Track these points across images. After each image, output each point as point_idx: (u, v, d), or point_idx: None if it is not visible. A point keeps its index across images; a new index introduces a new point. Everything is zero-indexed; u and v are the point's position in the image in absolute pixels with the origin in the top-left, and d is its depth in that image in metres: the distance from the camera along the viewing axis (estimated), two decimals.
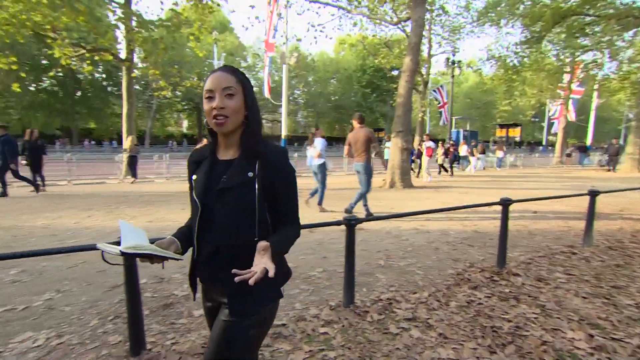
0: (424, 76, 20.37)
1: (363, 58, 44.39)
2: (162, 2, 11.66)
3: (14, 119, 33.34)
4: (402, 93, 10.03)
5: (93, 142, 37.75)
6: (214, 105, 1.07)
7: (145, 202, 7.39)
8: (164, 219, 5.84)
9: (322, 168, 6.54)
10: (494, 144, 29.18)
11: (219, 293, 1.16)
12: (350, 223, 2.65)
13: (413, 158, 13.29)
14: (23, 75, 25.43)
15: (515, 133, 28.26)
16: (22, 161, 8.62)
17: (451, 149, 15.48)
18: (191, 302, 2.88)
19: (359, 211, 5.97)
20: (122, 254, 0.95)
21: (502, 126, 30.06)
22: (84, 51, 11.70)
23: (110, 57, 11.96)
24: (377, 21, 15.03)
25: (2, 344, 2.28)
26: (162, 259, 1.03)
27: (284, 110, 14.51)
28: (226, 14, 30.78)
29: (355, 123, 6.03)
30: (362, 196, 6.01)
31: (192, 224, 1.16)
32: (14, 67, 10.59)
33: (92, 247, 2.04)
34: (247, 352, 1.13)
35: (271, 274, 0.92)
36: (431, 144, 13.22)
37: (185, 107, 43.18)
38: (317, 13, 41.48)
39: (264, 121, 57.81)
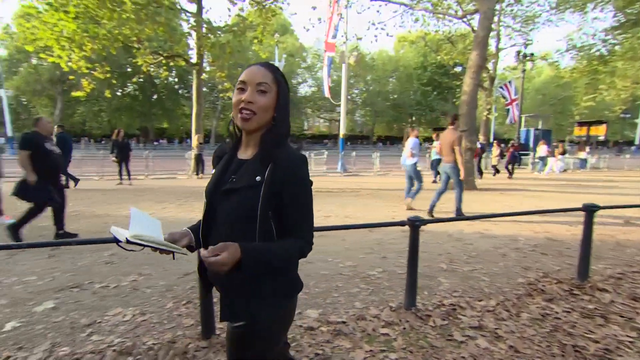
0: (491, 72, 19.06)
1: (424, 55, 42.91)
2: (229, 10, 12.36)
3: (104, 120, 37.83)
4: (467, 90, 9.50)
5: (160, 141, 41.35)
6: (243, 98, 1.01)
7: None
8: None
9: (414, 167, 6.80)
10: (570, 144, 26.33)
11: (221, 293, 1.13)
12: (415, 224, 2.59)
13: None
14: (114, 82, 28.72)
15: (599, 131, 25.04)
16: (112, 158, 9.74)
17: (510, 149, 14.26)
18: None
19: (421, 209, 5.79)
20: (127, 241, 0.95)
21: (581, 124, 26.78)
22: (161, 58, 12.87)
23: (183, 63, 12.99)
24: (441, 16, 14.41)
25: (100, 315, 2.60)
26: (168, 251, 1.02)
27: (342, 109, 14.58)
28: (287, 16, 31.77)
29: (448, 123, 6.25)
30: (458, 196, 6.11)
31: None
32: (108, 75, 12.01)
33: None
34: (246, 354, 1.07)
35: (222, 269, 0.88)
36: (478, 144, 12.47)
37: None
38: (377, 11, 40.90)
39: (321, 120, 58.77)
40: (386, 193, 9.01)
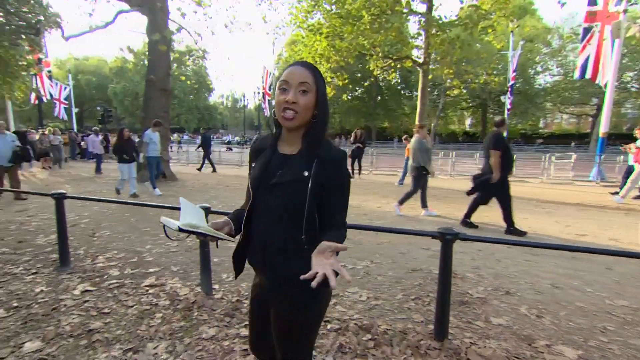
0: None
1: None
2: (461, 2, 11.84)
3: (337, 121, 44.61)
4: None
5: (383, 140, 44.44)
6: (287, 99, 1.08)
7: (433, 197, 7.86)
8: (453, 215, 6.02)
9: None
10: None
11: (265, 281, 1.21)
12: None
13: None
14: (351, 87, 33.47)
15: None
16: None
17: None
18: (488, 307, 2.78)
19: None
20: (180, 230, 1.04)
21: None
22: (390, 61, 13.85)
23: (410, 63, 13.51)
24: None
25: (341, 290, 3.07)
26: (215, 238, 1.11)
27: (607, 99, 11.28)
28: None
29: None
30: None
31: (245, 210, 1.20)
32: (345, 82, 14.08)
33: (421, 233, 2.32)
34: (296, 338, 1.19)
35: (344, 274, 0.89)
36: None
37: (471, 104, 42.56)
38: None
39: (565, 116, 47.79)
40: None
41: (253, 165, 1.22)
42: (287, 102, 1.08)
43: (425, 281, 3.31)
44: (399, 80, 42.04)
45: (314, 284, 0.87)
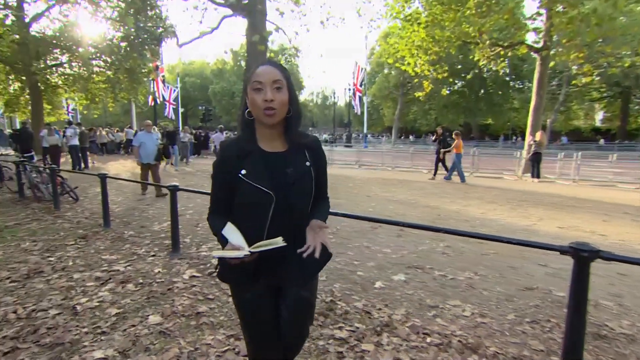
0: None
1: None
2: None
3: (432, 117, 42.63)
4: None
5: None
6: (266, 98, 1.16)
7: (554, 205, 6.97)
8: (577, 228, 5.25)
9: None
10: None
11: (280, 275, 1.30)
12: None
13: None
14: (450, 80, 31.70)
15: None
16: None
17: None
18: (638, 347, 2.35)
19: None
20: (252, 253, 1.12)
21: None
22: (499, 49, 12.68)
23: (525, 50, 12.18)
24: None
25: (441, 302, 2.92)
26: (277, 249, 1.14)
27: None
28: None
29: None
30: None
31: (251, 217, 1.22)
32: (445, 75, 13.37)
33: (547, 246, 2.06)
34: (311, 317, 1.49)
35: (330, 249, 1.25)
36: None
37: (606, 94, 36.23)
38: None
39: None
40: None
41: (244, 172, 1.20)
42: (266, 101, 1.17)
43: (544, 303, 2.94)
44: (507, 71, 38.23)
45: (317, 254, 1.19)
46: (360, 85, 28.41)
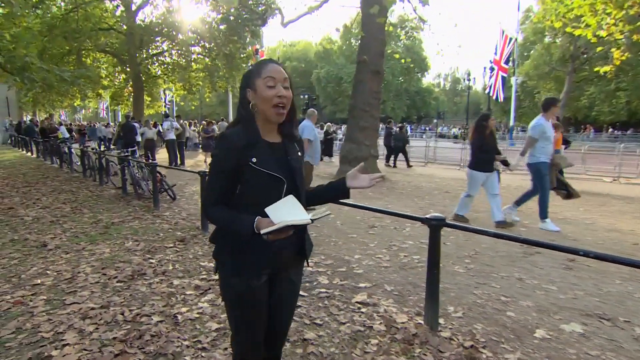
0: None
1: None
2: None
3: (621, 102, 37.31)
4: None
5: None
6: (280, 94, 1.56)
7: None
8: None
9: None
10: None
11: (284, 260, 1.71)
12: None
13: None
14: None
15: None
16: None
17: None
18: None
19: None
20: (312, 221, 1.43)
21: None
22: None
23: None
24: None
25: None
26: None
27: None
28: None
29: None
30: None
31: (265, 202, 1.48)
32: None
33: None
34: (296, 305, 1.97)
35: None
36: None
37: None
38: None
39: None
40: None
41: (254, 160, 1.54)
42: (281, 97, 1.55)
43: None
44: None
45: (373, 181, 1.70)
46: (507, 63, 26.47)
